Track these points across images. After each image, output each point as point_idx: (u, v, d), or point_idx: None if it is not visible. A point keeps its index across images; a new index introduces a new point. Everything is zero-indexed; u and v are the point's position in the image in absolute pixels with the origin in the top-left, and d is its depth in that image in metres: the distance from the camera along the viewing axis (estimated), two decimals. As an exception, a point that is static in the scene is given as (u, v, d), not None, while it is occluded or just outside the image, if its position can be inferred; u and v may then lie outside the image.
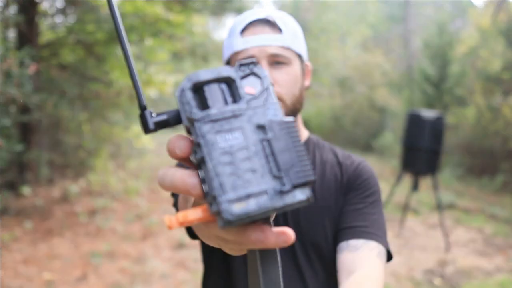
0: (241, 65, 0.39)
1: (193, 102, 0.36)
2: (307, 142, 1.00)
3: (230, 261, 0.94)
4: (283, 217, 0.92)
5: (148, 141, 7.71)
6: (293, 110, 0.92)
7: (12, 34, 5.53)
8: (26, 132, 5.21)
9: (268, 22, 0.90)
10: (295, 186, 0.34)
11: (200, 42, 8.04)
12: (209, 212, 0.35)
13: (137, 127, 7.52)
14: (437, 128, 4.37)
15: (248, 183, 0.34)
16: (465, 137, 8.58)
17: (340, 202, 0.94)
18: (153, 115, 0.40)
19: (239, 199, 0.33)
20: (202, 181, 0.35)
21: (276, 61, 0.89)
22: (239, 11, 7.31)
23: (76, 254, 3.88)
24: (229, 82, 0.38)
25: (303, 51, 0.96)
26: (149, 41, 6.11)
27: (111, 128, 6.92)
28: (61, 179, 6.08)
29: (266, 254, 0.43)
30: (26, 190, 5.04)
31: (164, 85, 6.39)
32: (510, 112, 7.40)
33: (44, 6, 5.89)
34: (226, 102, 0.37)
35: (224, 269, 0.95)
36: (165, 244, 4.27)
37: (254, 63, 0.39)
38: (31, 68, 3.97)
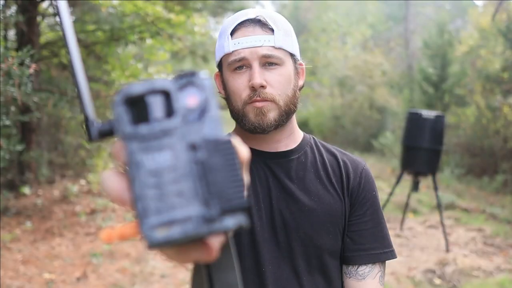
0: (178, 75, 0.36)
1: (124, 117, 0.33)
2: (302, 143, 0.99)
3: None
4: (281, 217, 0.90)
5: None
6: (287, 111, 0.90)
7: (12, 34, 5.54)
8: (26, 132, 5.22)
9: (259, 22, 0.88)
10: (224, 212, 0.32)
11: (200, 42, 8.04)
12: (138, 231, 0.33)
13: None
14: (437, 128, 4.37)
15: (173, 208, 0.32)
16: (465, 137, 8.58)
17: (344, 204, 0.94)
18: (95, 124, 0.37)
19: (162, 225, 0.31)
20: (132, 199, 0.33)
21: (268, 62, 0.87)
22: (239, 11, 7.31)
23: (76, 254, 3.88)
24: (166, 94, 0.34)
25: (296, 50, 0.94)
26: (149, 41, 6.11)
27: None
28: (61, 179, 6.08)
29: (220, 261, 0.41)
30: (26, 190, 5.04)
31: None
32: (510, 112, 7.40)
33: (44, 6, 5.88)
34: (158, 118, 0.34)
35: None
36: (165, 244, 4.27)
37: (194, 73, 0.35)
38: (31, 68, 3.97)
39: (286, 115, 0.90)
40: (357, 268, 0.94)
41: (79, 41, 5.53)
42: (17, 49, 4.50)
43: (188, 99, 0.34)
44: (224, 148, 0.33)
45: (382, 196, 5.24)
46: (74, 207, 5.16)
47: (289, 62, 0.91)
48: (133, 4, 5.19)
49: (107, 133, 0.37)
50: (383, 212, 1.00)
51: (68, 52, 0.38)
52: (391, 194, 4.93)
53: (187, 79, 0.35)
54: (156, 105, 0.34)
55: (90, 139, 0.37)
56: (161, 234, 0.31)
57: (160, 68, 7.03)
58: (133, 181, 0.32)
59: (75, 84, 0.38)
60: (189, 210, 0.32)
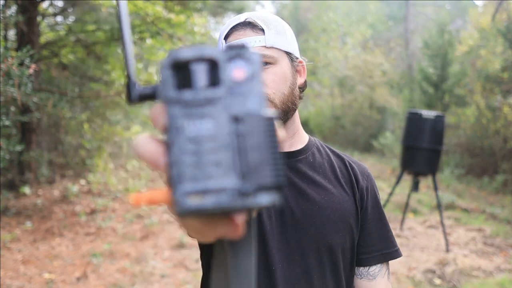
0: (230, 47, 0.35)
1: (170, 81, 0.33)
2: (309, 144, 1.00)
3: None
4: (292, 216, 0.90)
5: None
6: (285, 110, 0.90)
7: (12, 34, 5.54)
8: (26, 132, 5.22)
9: (249, 25, 0.89)
10: (260, 189, 0.32)
11: (200, 42, 8.05)
12: (170, 197, 0.33)
13: (137, 127, 7.53)
14: (437, 128, 4.37)
15: (209, 178, 0.31)
16: (465, 137, 8.58)
17: (355, 205, 0.95)
18: (136, 86, 0.37)
19: (196, 193, 0.31)
20: (168, 164, 0.33)
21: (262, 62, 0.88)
22: (239, 11, 7.32)
23: (76, 254, 3.88)
24: (214, 63, 0.34)
25: (292, 48, 0.93)
26: (149, 41, 6.12)
27: (111, 128, 6.92)
28: (61, 179, 6.08)
29: (238, 244, 0.41)
30: (26, 190, 5.04)
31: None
32: (510, 112, 7.40)
33: (44, 6, 5.88)
34: (203, 85, 0.34)
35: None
36: (165, 244, 4.27)
37: (244, 47, 0.35)
38: (31, 68, 3.96)
39: (284, 113, 0.90)
40: (368, 269, 0.97)
41: (79, 41, 5.53)
42: (17, 49, 4.50)
43: (235, 71, 0.34)
44: (267, 124, 0.33)
45: (382, 196, 5.24)
46: (74, 207, 5.16)
47: (284, 61, 0.90)
48: (133, 4, 5.19)
49: (147, 96, 0.37)
50: (384, 212, 1.04)
51: (119, 18, 0.38)
52: (391, 194, 4.93)
53: (236, 51, 0.35)
54: (202, 73, 0.34)
55: (130, 100, 0.37)
56: (193, 201, 0.31)
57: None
58: (171, 146, 0.32)
59: (123, 45, 0.38)
60: (225, 181, 0.31)
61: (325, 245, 0.90)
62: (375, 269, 0.97)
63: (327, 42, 16.00)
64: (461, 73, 9.36)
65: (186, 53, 0.34)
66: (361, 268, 0.97)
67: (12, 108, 4.60)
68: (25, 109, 4.77)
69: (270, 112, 0.34)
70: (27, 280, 3.31)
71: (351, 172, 0.98)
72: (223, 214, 0.35)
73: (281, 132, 0.35)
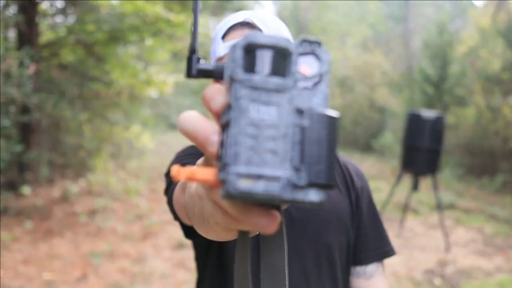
0: (304, 40, 0.36)
1: (240, 61, 0.33)
2: None
3: (225, 267, 0.92)
4: (288, 216, 0.90)
5: (148, 140, 7.71)
6: None
7: (12, 34, 5.54)
8: (26, 132, 5.22)
9: (247, 25, 0.89)
10: (311, 185, 0.32)
11: (200, 42, 8.03)
12: (216, 177, 0.33)
13: (137, 127, 7.53)
14: (437, 128, 4.37)
15: (264, 163, 0.31)
16: (465, 137, 8.58)
17: (351, 205, 0.96)
18: (200, 61, 0.38)
19: (249, 176, 0.31)
20: (221, 143, 0.33)
21: None
22: (239, 11, 7.31)
23: (76, 254, 3.88)
24: (285, 54, 0.35)
25: None
26: (149, 41, 6.12)
27: (111, 128, 6.92)
28: (61, 179, 6.08)
29: (271, 239, 0.40)
30: (26, 190, 5.04)
31: (164, 85, 6.39)
32: (510, 112, 7.40)
33: (44, 6, 5.88)
34: (273, 74, 0.34)
35: (219, 274, 0.93)
36: (165, 244, 4.27)
37: (319, 44, 0.36)
38: (31, 68, 3.97)
39: None
40: (364, 268, 0.98)
41: (79, 41, 5.53)
42: (17, 50, 4.50)
43: (306, 67, 0.35)
44: (329, 123, 0.34)
45: (382, 196, 5.24)
46: (74, 207, 5.16)
47: None
48: (132, 5, 5.19)
49: (206, 73, 0.37)
50: (384, 212, 1.04)
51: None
52: (391, 194, 4.93)
53: (311, 47, 0.35)
54: (274, 61, 0.34)
55: (189, 74, 0.37)
56: (244, 184, 0.31)
57: (160, 68, 7.03)
58: (231, 125, 0.32)
59: (194, 16, 0.39)
60: (279, 170, 0.31)
61: (322, 245, 0.90)
62: (371, 268, 0.98)
63: (327, 42, 15.99)
64: (461, 73, 9.36)
65: (263, 39, 0.34)
66: (358, 268, 0.98)
67: (12, 109, 4.60)
68: (25, 109, 4.77)
69: (334, 112, 0.35)
70: (27, 280, 3.31)
71: (345, 172, 0.98)
72: (267, 204, 0.35)
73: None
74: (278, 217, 0.34)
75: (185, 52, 7.74)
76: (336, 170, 0.98)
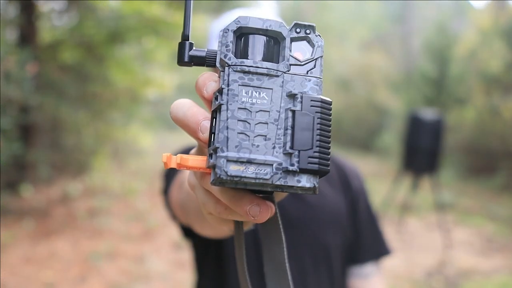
0: (297, 25, 0.35)
1: (231, 46, 0.33)
2: None
3: (223, 266, 0.91)
4: (286, 216, 0.89)
5: (147, 140, 7.71)
6: None
7: (12, 34, 5.53)
8: (26, 132, 5.22)
9: None
10: (303, 170, 0.31)
11: (200, 41, 8.03)
12: (207, 163, 0.33)
13: (136, 127, 7.53)
14: (437, 128, 4.37)
15: (256, 149, 0.31)
16: (465, 137, 8.58)
17: (347, 205, 0.96)
18: (193, 48, 0.37)
19: (239, 161, 0.30)
20: (212, 130, 0.33)
21: None
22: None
23: (76, 254, 3.88)
24: (277, 39, 0.34)
25: None
26: (148, 42, 6.12)
27: (111, 128, 6.92)
28: (61, 179, 6.08)
29: (268, 230, 0.40)
30: (26, 190, 5.04)
31: (163, 85, 6.39)
32: (510, 112, 7.40)
33: (45, 7, 5.88)
34: (265, 58, 0.33)
35: (217, 275, 0.93)
36: (165, 244, 4.27)
37: (313, 28, 0.35)
38: (31, 69, 3.97)
39: None
40: (362, 267, 0.98)
41: (79, 41, 5.53)
42: (17, 50, 4.50)
43: (299, 52, 0.34)
44: (322, 107, 0.33)
45: (381, 196, 5.24)
46: (74, 207, 5.16)
47: None
48: (131, 5, 5.19)
49: (198, 59, 0.36)
50: (384, 212, 1.04)
51: None
52: (391, 194, 4.93)
53: (304, 32, 0.34)
54: (266, 46, 0.34)
55: (181, 61, 0.37)
56: (234, 169, 0.30)
57: (159, 68, 7.03)
58: (223, 110, 0.31)
59: (186, 3, 0.38)
60: (270, 156, 0.31)
61: (320, 246, 0.90)
62: (368, 268, 0.98)
63: (327, 43, 16.00)
64: (461, 73, 9.36)
65: (254, 23, 0.33)
66: (355, 268, 0.98)
67: (12, 109, 4.60)
68: (25, 110, 4.76)
69: (327, 98, 0.34)
70: (27, 280, 3.31)
71: (342, 173, 0.99)
72: (259, 191, 0.34)
73: None
74: (270, 206, 0.34)
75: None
76: (332, 172, 0.98)
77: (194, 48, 0.37)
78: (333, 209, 0.92)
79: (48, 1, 5.98)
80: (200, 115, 0.34)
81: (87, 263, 3.69)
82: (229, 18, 0.90)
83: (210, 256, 0.95)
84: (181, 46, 0.37)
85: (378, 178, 7.81)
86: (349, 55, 14.46)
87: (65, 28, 5.98)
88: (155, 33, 5.71)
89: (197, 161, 0.34)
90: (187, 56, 0.37)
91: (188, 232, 0.92)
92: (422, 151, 4.39)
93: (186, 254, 4.00)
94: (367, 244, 0.98)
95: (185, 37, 0.37)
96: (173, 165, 0.34)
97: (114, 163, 7.47)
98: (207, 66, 0.36)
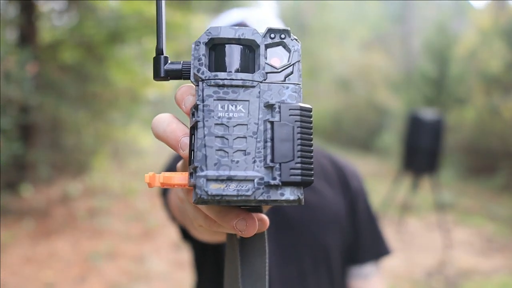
0: (270, 30, 0.33)
1: (204, 59, 0.32)
2: None
3: (222, 269, 0.90)
4: (285, 217, 0.90)
5: (147, 140, 7.71)
6: None
7: (12, 34, 5.54)
8: (26, 132, 5.22)
9: (242, 26, 0.86)
10: (286, 183, 0.30)
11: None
12: (189, 181, 0.32)
13: (136, 127, 7.53)
14: (437, 128, 4.37)
15: (235, 165, 0.30)
16: (465, 137, 8.58)
17: (346, 205, 0.95)
18: (168, 61, 0.36)
19: (219, 179, 0.29)
20: (192, 146, 0.32)
21: None
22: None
23: (76, 254, 3.88)
24: (251, 47, 0.33)
25: None
26: (148, 42, 6.11)
27: (111, 128, 6.92)
28: (61, 179, 6.08)
29: (251, 241, 0.39)
30: (26, 190, 5.04)
31: (163, 85, 6.38)
32: (510, 112, 7.40)
33: (45, 7, 5.88)
34: (240, 69, 0.32)
35: (216, 276, 0.92)
36: (165, 244, 4.27)
37: (287, 32, 0.33)
38: (31, 69, 3.97)
39: None
40: (361, 268, 0.97)
41: (80, 41, 5.53)
42: (17, 50, 4.50)
43: (272, 59, 0.33)
44: (301, 116, 0.31)
45: (381, 196, 5.24)
46: (74, 207, 5.16)
47: None
48: (132, 5, 5.19)
49: (174, 73, 0.35)
50: (384, 212, 1.04)
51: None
52: (391, 194, 4.93)
53: (279, 37, 0.33)
54: (239, 55, 0.32)
55: (156, 75, 0.36)
56: (215, 188, 0.29)
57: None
58: (199, 127, 0.31)
59: (157, 14, 0.37)
60: (251, 171, 0.30)
61: (320, 247, 0.90)
62: (368, 269, 0.98)
63: (327, 42, 16.00)
64: (461, 73, 9.36)
65: (225, 33, 0.32)
66: (355, 269, 0.98)
67: (12, 109, 4.60)
68: (25, 110, 4.76)
69: (307, 104, 0.32)
70: (27, 280, 3.31)
71: (341, 174, 0.98)
72: (243, 206, 0.33)
73: None
74: (262, 218, 0.33)
75: (185, 53, 7.75)
76: (331, 172, 0.98)
77: (169, 61, 0.36)
78: (332, 209, 0.92)
79: (48, 1, 5.98)
80: (179, 131, 0.33)
81: (87, 263, 3.69)
82: (227, 18, 0.89)
83: (208, 258, 0.94)
84: (156, 61, 0.36)
85: (378, 178, 7.80)
86: (349, 55, 14.45)
87: (65, 28, 5.98)
88: (155, 33, 5.70)
89: (182, 178, 0.33)
90: (162, 71, 0.36)
91: (187, 234, 0.92)
92: (422, 151, 4.38)
93: (186, 254, 4.00)
94: (367, 244, 0.98)
95: (159, 51, 0.36)
96: (157, 184, 0.33)
97: (114, 163, 7.47)
98: (184, 79, 0.35)
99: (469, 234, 4.99)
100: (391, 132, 11.04)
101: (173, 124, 0.34)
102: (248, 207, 0.36)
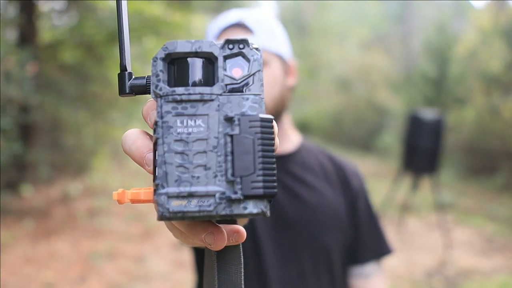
0: (228, 41, 0.32)
1: (162, 75, 0.31)
2: (297, 145, 0.99)
3: None
4: (286, 217, 0.90)
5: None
6: (275, 112, 0.90)
7: (12, 34, 5.54)
8: (26, 132, 5.22)
9: (240, 26, 0.86)
10: (248, 197, 0.30)
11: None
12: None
13: (136, 127, 7.52)
14: (437, 128, 4.37)
15: (196, 180, 0.30)
16: (465, 137, 8.58)
17: (346, 204, 0.95)
18: (132, 77, 0.35)
19: (180, 196, 0.29)
20: (155, 162, 0.31)
21: None
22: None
23: (76, 254, 3.88)
24: (210, 60, 0.32)
25: (284, 49, 0.92)
26: (148, 42, 6.12)
27: (111, 128, 6.92)
28: (61, 179, 6.08)
29: (226, 251, 0.39)
30: (26, 190, 5.04)
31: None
32: (510, 112, 7.40)
33: (45, 7, 5.88)
34: (200, 82, 0.32)
35: None
36: (165, 244, 4.27)
37: (246, 42, 0.33)
38: (31, 69, 3.97)
39: (274, 116, 0.89)
40: (362, 267, 0.97)
41: (79, 41, 5.53)
42: (17, 50, 4.50)
43: (234, 70, 0.32)
44: (262, 127, 0.31)
45: (381, 196, 5.24)
46: (74, 207, 5.16)
47: (274, 63, 0.89)
48: (132, 5, 5.18)
49: (139, 89, 0.35)
50: (384, 212, 1.04)
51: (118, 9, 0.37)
52: (391, 194, 4.93)
53: (237, 48, 0.33)
54: (198, 69, 0.32)
55: (122, 91, 0.36)
56: (176, 205, 0.29)
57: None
58: (159, 144, 0.30)
59: (119, 32, 0.36)
60: (213, 186, 0.30)
61: (320, 246, 0.90)
62: (369, 268, 0.98)
63: (327, 42, 16.00)
64: (461, 73, 9.36)
65: (182, 47, 0.32)
66: (356, 268, 0.97)
67: (12, 109, 4.60)
68: (25, 110, 4.76)
69: (267, 115, 0.32)
70: (27, 280, 3.31)
71: (342, 173, 0.98)
72: (208, 220, 0.33)
73: (276, 139, 0.33)
74: (224, 233, 0.33)
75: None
76: (331, 172, 0.98)
77: (133, 77, 0.36)
78: (332, 209, 0.92)
79: (48, 1, 5.98)
80: (144, 147, 0.33)
81: (87, 263, 3.69)
82: (225, 18, 0.89)
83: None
84: (120, 77, 0.36)
85: (378, 178, 7.80)
86: (349, 55, 14.45)
87: (65, 28, 5.97)
88: (155, 33, 5.71)
89: (148, 194, 0.33)
90: (127, 87, 0.35)
91: None
92: (422, 151, 4.39)
93: (186, 254, 4.00)
94: (368, 244, 0.98)
95: (122, 67, 0.36)
96: (126, 201, 0.33)
97: (114, 163, 7.46)
98: (149, 93, 0.35)
99: (469, 234, 4.99)
100: (391, 132, 11.04)
101: (138, 141, 0.34)
102: (223, 219, 0.35)
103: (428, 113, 4.45)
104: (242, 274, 0.39)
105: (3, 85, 3.66)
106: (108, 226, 4.64)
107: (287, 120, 0.98)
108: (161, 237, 4.44)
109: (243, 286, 0.39)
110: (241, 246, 0.40)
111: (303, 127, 13.16)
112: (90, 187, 6.06)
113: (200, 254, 0.97)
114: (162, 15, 5.33)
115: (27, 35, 5.09)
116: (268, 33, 0.88)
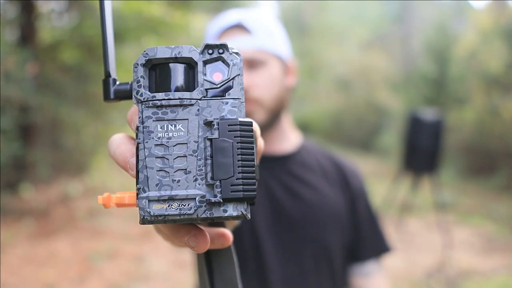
0: (208, 46, 0.33)
1: (143, 81, 0.32)
2: (297, 145, 0.99)
3: None
4: (287, 216, 0.90)
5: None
6: (273, 112, 0.90)
7: (12, 34, 5.54)
8: (26, 132, 5.22)
9: (239, 27, 0.87)
10: (228, 200, 0.30)
11: (199, 42, 8.02)
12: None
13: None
14: (437, 128, 4.37)
15: (177, 184, 0.30)
16: (465, 137, 8.58)
17: (346, 204, 0.96)
18: (117, 83, 0.36)
19: (161, 200, 0.30)
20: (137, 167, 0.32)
21: (249, 64, 0.86)
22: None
23: (76, 254, 3.88)
24: (190, 65, 0.33)
25: (283, 49, 0.92)
26: (148, 42, 6.12)
27: (111, 128, 6.92)
28: (60, 179, 6.08)
29: (219, 252, 0.40)
30: (25, 190, 5.04)
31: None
32: (510, 113, 7.40)
33: (45, 7, 5.88)
34: (180, 87, 0.32)
35: None
36: (165, 244, 4.26)
37: (225, 47, 0.33)
38: (31, 69, 3.97)
39: (273, 116, 0.90)
40: (363, 266, 0.98)
41: (80, 42, 5.53)
42: (17, 50, 4.50)
43: (213, 74, 0.33)
44: (242, 131, 0.31)
45: (381, 196, 5.24)
46: (74, 207, 5.16)
47: (273, 63, 0.89)
48: (132, 5, 5.19)
49: (123, 94, 0.36)
50: (384, 212, 1.05)
51: (101, 16, 0.37)
52: (391, 194, 4.93)
53: (216, 53, 0.33)
54: (179, 74, 0.32)
55: (106, 97, 0.36)
56: (157, 208, 0.30)
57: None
58: (140, 149, 0.31)
59: (103, 37, 0.37)
60: (192, 189, 0.30)
61: (320, 245, 0.90)
62: (369, 266, 0.98)
63: (327, 42, 16.00)
64: (461, 73, 9.36)
65: (162, 53, 0.32)
66: (356, 267, 0.98)
67: (12, 109, 4.60)
68: (25, 110, 4.76)
69: (247, 118, 0.32)
70: (27, 280, 3.31)
71: (341, 173, 0.99)
72: (191, 223, 0.34)
73: (260, 141, 0.34)
74: (206, 236, 0.33)
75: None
76: (331, 171, 0.98)
77: (118, 83, 0.36)
78: (332, 208, 0.92)
79: (48, 1, 5.98)
80: (127, 152, 0.34)
81: (87, 263, 3.69)
82: (224, 19, 0.89)
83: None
84: (105, 83, 0.36)
85: (378, 178, 7.80)
86: (349, 55, 14.45)
87: (65, 28, 5.97)
88: (155, 33, 5.71)
89: (132, 198, 0.34)
90: (112, 93, 0.36)
91: None
92: (422, 151, 4.39)
93: (186, 254, 4.00)
94: (367, 242, 0.98)
95: (107, 73, 0.36)
96: (112, 205, 0.34)
97: (114, 163, 7.46)
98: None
99: (469, 234, 4.99)
100: (391, 132, 11.04)
101: (122, 146, 0.34)
102: (213, 222, 0.36)
103: (428, 113, 4.45)
104: (237, 273, 0.40)
105: (3, 85, 3.66)
106: (108, 226, 4.64)
107: (287, 120, 0.99)
108: (161, 237, 4.44)
109: (238, 284, 0.40)
110: (232, 247, 0.40)
111: (303, 127, 13.16)
112: (90, 187, 6.06)
113: (200, 254, 0.97)
114: (161, 15, 5.33)
115: (27, 35, 5.09)
116: (267, 33, 0.88)
